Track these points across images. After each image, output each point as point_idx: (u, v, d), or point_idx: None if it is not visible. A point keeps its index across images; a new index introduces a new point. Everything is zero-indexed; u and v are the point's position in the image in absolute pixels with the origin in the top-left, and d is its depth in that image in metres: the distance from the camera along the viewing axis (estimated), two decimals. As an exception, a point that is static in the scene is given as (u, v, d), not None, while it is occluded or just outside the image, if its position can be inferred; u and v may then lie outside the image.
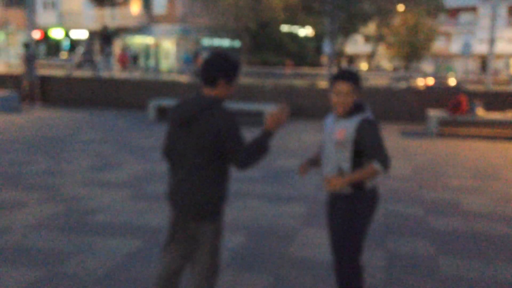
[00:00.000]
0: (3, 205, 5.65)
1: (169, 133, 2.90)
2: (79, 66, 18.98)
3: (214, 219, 2.86)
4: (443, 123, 12.16)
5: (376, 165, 2.94)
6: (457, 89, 13.69)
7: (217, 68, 2.77)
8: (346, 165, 3.00)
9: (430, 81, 22.25)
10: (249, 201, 6.09)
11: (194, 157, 2.77)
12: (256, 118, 12.80)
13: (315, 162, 3.32)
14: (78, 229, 4.96)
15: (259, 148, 2.78)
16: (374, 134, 2.93)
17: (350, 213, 3.04)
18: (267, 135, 2.80)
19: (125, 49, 19.14)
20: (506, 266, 4.34)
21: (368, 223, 3.10)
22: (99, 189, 6.46)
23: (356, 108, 3.01)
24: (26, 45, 16.15)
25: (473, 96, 12.67)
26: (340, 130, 3.00)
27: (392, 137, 11.44)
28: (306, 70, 29.86)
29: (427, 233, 5.10)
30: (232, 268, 4.16)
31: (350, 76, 2.95)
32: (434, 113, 11.85)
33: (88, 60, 17.96)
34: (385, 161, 2.94)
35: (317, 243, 4.76)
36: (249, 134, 11.20)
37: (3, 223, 5.07)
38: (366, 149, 2.95)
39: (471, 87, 19.32)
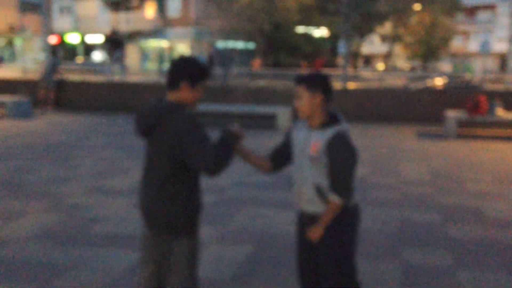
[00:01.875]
0: (4, 215, 5.49)
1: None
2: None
3: (187, 234, 2.65)
4: (461, 124, 11.79)
5: (334, 199, 2.70)
6: (476, 88, 13.31)
7: (180, 70, 2.61)
8: (324, 181, 2.75)
9: (439, 81, 21.74)
10: (259, 209, 5.85)
11: (159, 168, 2.58)
12: (268, 121, 12.55)
13: (252, 158, 2.93)
14: (76, 241, 4.77)
15: (227, 149, 2.57)
16: (343, 155, 2.66)
17: (338, 232, 2.78)
18: (228, 136, 2.63)
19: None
20: (532, 280, 4.04)
21: (356, 242, 2.85)
22: (103, 196, 6.27)
23: (331, 118, 2.77)
24: (54, 52, 16.23)
25: (492, 95, 12.27)
26: (314, 144, 2.73)
27: (408, 139, 11.13)
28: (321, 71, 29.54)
29: (445, 243, 4.84)
30: (237, 281, 3.96)
31: (303, 79, 2.74)
32: (452, 114, 11.50)
33: None
34: (345, 191, 2.69)
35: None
36: (260, 137, 10.96)
37: (2, 235, 4.90)
38: (330, 170, 2.70)
39: (490, 87, 18.84)
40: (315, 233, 2.77)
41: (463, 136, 11.50)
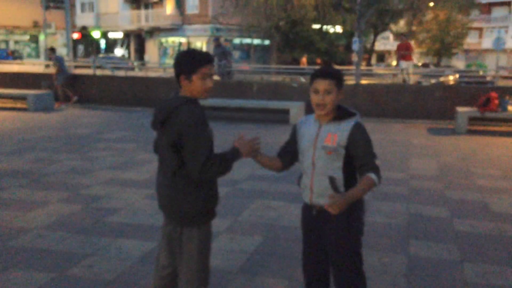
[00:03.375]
0: (24, 205, 5.69)
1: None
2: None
3: (198, 225, 2.72)
4: (472, 120, 11.76)
5: (373, 177, 2.70)
6: (488, 85, 13.27)
7: (176, 65, 2.64)
8: (338, 174, 2.76)
9: (452, 77, 21.51)
10: (269, 201, 5.96)
11: (169, 160, 2.64)
12: (281, 115, 12.65)
13: (264, 159, 2.95)
14: (93, 230, 4.94)
15: (225, 164, 2.60)
16: (368, 141, 2.73)
17: (349, 223, 2.81)
18: (236, 155, 2.66)
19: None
20: (535, 273, 4.10)
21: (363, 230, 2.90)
22: (119, 188, 6.45)
23: (344, 111, 2.78)
24: (52, 49, 16.47)
25: (505, 92, 12.23)
26: (330, 136, 2.74)
27: (419, 134, 11.17)
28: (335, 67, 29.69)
29: (452, 237, 4.89)
30: (246, 272, 4.06)
31: (329, 73, 2.72)
32: (463, 110, 11.52)
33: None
34: (379, 172, 2.75)
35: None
36: (273, 132, 11.06)
37: (21, 224, 5.09)
38: (359, 157, 2.73)
39: (503, 83, 18.75)
40: (337, 205, 2.57)
41: (474, 132, 11.45)
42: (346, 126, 2.72)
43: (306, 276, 3.03)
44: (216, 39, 17.99)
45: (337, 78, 2.73)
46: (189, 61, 2.60)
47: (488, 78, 21.08)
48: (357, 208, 2.82)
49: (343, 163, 2.75)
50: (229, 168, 2.62)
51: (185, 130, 2.52)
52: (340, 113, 2.78)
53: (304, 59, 31.31)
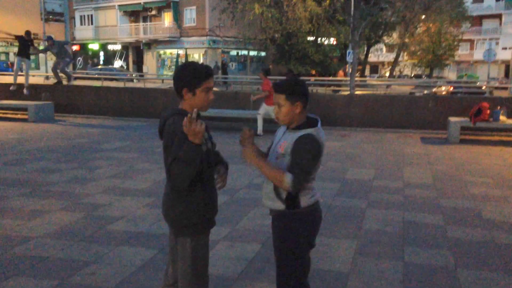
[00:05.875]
0: (25, 213, 5.76)
1: None
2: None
3: (190, 235, 2.72)
4: (465, 129, 11.93)
5: (286, 178, 2.66)
6: (480, 95, 13.46)
7: (179, 78, 2.66)
8: None
9: (444, 88, 21.76)
10: (267, 209, 5.98)
11: (166, 170, 2.66)
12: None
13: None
14: (95, 238, 5.00)
15: (183, 161, 2.53)
16: (305, 150, 2.69)
17: (283, 232, 2.86)
18: (184, 143, 2.59)
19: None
20: (527, 278, 4.20)
21: (306, 244, 2.87)
22: (120, 197, 6.53)
23: (307, 123, 2.81)
24: None
25: (496, 102, 12.42)
26: (283, 143, 2.81)
27: (412, 144, 11.30)
28: (329, 79, 29.88)
29: (446, 244, 4.97)
30: (245, 278, 4.12)
31: (279, 87, 2.79)
32: (456, 120, 11.68)
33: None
34: (296, 180, 2.67)
35: (330, 253, 4.69)
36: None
37: (24, 232, 5.15)
38: (291, 158, 2.71)
39: (494, 93, 18.99)
40: (245, 152, 2.79)
41: (466, 141, 11.58)
42: (296, 136, 2.74)
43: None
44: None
45: (287, 91, 2.76)
46: (192, 75, 2.61)
47: (484, 88, 21.32)
48: (296, 225, 2.84)
49: (287, 170, 2.73)
50: (189, 161, 2.45)
51: (167, 134, 2.57)
52: (301, 124, 2.81)
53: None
